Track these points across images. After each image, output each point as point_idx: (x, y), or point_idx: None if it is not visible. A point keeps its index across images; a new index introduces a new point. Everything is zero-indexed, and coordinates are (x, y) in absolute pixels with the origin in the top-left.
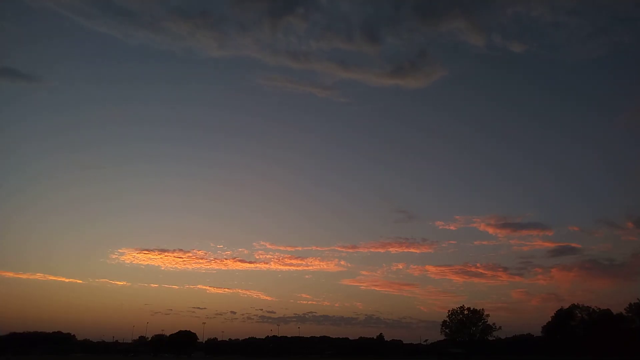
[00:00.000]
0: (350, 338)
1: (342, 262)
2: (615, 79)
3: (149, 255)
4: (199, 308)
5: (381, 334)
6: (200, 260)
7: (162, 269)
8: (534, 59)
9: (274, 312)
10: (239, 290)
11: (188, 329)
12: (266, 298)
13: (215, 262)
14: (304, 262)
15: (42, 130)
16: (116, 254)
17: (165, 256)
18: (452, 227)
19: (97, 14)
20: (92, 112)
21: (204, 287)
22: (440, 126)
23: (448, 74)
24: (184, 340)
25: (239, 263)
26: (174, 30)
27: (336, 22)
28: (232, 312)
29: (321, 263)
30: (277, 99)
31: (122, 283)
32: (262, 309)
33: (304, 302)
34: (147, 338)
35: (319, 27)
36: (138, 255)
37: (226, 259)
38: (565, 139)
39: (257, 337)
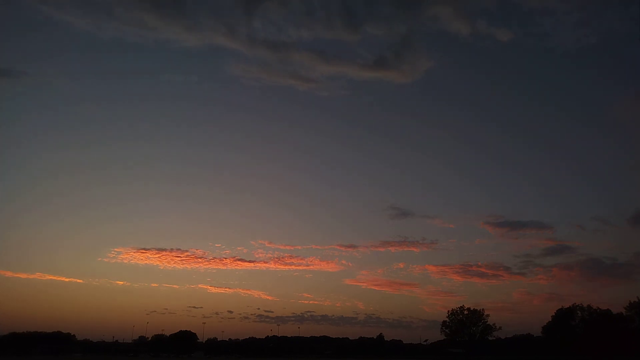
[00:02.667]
0: (350, 338)
1: (343, 262)
2: (608, 68)
3: (147, 254)
4: (194, 307)
5: (381, 334)
6: (199, 260)
7: (161, 268)
8: (521, 48)
9: (274, 312)
10: (240, 290)
11: (188, 329)
12: (267, 298)
13: (214, 261)
14: (304, 262)
15: (34, 128)
16: (115, 253)
17: (164, 255)
18: (451, 226)
19: (66, 5)
20: (75, 109)
21: (204, 287)
22: (435, 123)
23: (435, 65)
24: (184, 340)
25: (239, 262)
26: (146, 20)
27: (315, 8)
28: (229, 311)
29: (321, 262)
30: (256, 91)
31: (122, 283)
32: (264, 309)
33: (305, 301)
34: (147, 338)
35: (297, 14)
36: (137, 254)
37: (225, 257)
38: (564, 133)
39: (257, 337)
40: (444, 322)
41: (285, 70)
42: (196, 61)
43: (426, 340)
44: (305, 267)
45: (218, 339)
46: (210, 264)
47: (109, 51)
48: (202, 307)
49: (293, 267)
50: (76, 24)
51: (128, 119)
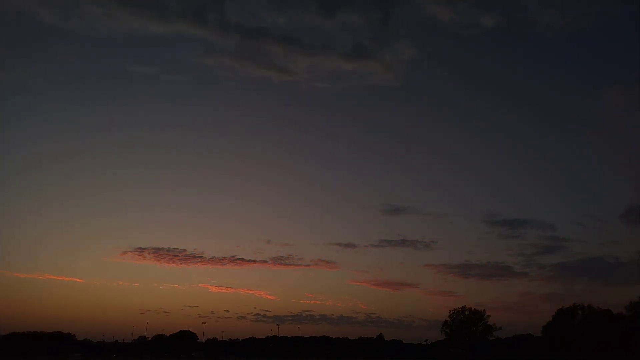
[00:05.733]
0: (350, 338)
1: (343, 261)
2: (599, 54)
3: (145, 253)
4: (190, 306)
5: (381, 333)
6: (198, 259)
7: (160, 267)
8: (507, 34)
9: (275, 312)
10: (240, 290)
11: (186, 329)
12: (268, 297)
13: (214, 260)
14: (304, 261)
15: (34, 127)
16: (114, 253)
17: (162, 255)
18: (451, 225)
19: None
20: (51, 105)
21: (205, 286)
22: (430, 118)
23: (418, 53)
24: (184, 340)
25: (238, 262)
26: (112, 7)
27: None
28: (225, 310)
29: (321, 262)
30: (231, 83)
31: (122, 282)
32: (261, 309)
33: (306, 301)
34: (147, 338)
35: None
36: (135, 254)
37: (224, 257)
38: (561, 129)
39: (257, 337)
40: (445, 322)
41: (260, 60)
42: (164, 50)
43: (426, 340)
44: (305, 267)
45: (218, 339)
46: (209, 263)
47: (76, 42)
48: (197, 306)
49: (293, 266)
50: (43, 16)
51: (107, 122)
